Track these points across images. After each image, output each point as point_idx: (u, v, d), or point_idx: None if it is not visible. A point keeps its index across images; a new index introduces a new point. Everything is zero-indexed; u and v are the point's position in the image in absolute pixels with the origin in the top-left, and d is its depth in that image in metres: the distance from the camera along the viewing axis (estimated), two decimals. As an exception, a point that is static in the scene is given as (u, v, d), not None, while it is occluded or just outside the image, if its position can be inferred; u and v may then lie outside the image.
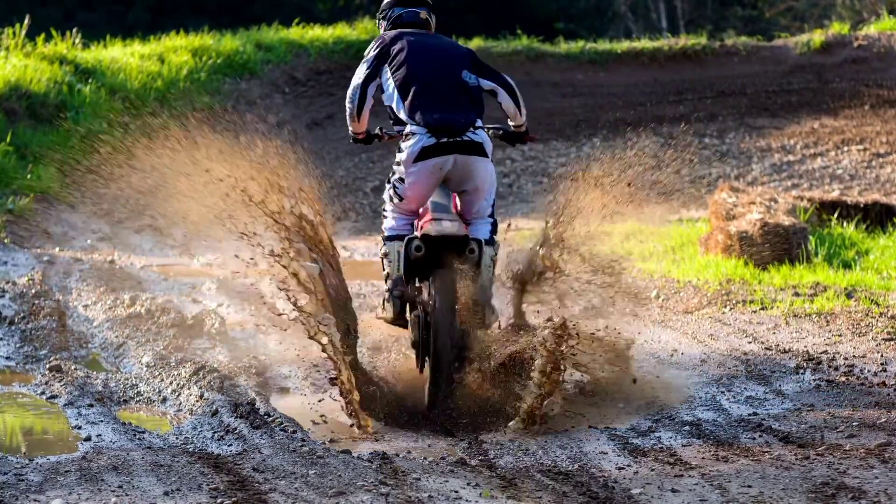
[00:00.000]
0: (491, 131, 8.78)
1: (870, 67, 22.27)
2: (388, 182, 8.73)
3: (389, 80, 8.77)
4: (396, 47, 8.82)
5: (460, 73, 8.80)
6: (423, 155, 8.63)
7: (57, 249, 14.31)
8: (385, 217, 8.67)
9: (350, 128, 8.86)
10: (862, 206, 15.07)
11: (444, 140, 8.55)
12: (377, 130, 8.89)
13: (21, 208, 15.39)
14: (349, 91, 8.79)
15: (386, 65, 8.78)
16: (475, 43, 22.83)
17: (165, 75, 20.68)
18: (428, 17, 9.25)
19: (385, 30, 9.10)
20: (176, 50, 21.52)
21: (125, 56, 20.86)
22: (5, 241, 14.23)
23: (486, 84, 8.84)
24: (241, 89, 20.56)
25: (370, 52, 8.88)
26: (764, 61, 22.76)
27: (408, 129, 8.63)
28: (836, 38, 22.87)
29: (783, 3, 28.98)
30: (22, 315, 10.21)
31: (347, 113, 8.85)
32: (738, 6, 31.49)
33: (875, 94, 21.80)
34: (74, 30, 20.63)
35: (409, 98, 8.69)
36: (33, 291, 11.13)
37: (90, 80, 19.28)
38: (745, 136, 21.33)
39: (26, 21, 19.40)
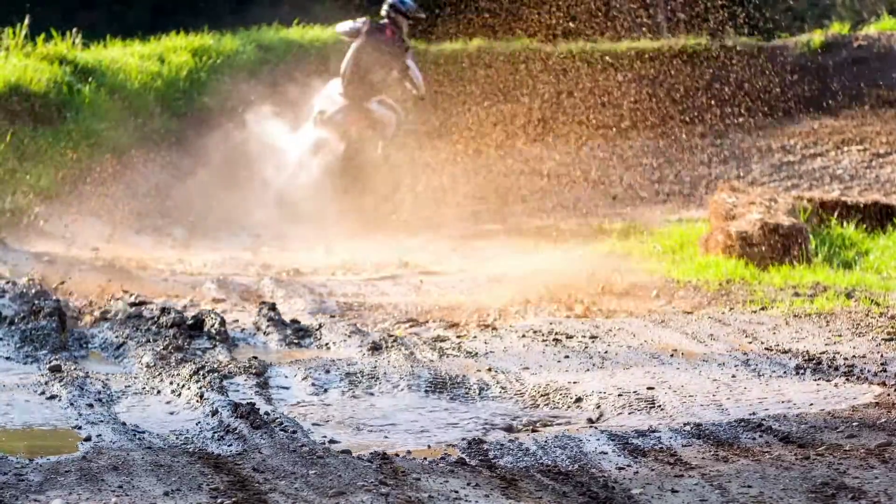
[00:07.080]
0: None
1: (870, 67, 22.24)
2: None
3: (350, 52, 17.49)
4: (361, 37, 17.36)
5: (388, 71, 17.17)
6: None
7: (57, 249, 14.31)
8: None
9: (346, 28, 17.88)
10: (862, 206, 15.05)
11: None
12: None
13: (21, 208, 15.39)
14: (346, 26, 17.92)
15: (355, 43, 17.46)
16: (475, 43, 22.80)
17: (165, 75, 20.68)
18: (398, 18, 17.40)
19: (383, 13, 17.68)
20: (176, 50, 21.51)
21: (125, 56, 20.85)
22: (5, 240, 14.21)
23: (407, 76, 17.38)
24: (240, 89, 20.55)
25: (359, 23, 17.65)
26: (764, 61, 22.75)
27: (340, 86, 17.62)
28: (835, 38, 22.84)
29: (783, 2, 28.96)
30: (22, 315, 10.20)
31: (347, 28, 17.91)
32: (738, 6, 31.42)
33: (875, 95, 21.78)
34: (74, 30, 20.61)
35: (348, 74, 17.46)
36: (33, 291, 11.13)
37: (90, 80, 19.27)
38: (745, 136, 21.32)
39: (26, 21, 19.39)
